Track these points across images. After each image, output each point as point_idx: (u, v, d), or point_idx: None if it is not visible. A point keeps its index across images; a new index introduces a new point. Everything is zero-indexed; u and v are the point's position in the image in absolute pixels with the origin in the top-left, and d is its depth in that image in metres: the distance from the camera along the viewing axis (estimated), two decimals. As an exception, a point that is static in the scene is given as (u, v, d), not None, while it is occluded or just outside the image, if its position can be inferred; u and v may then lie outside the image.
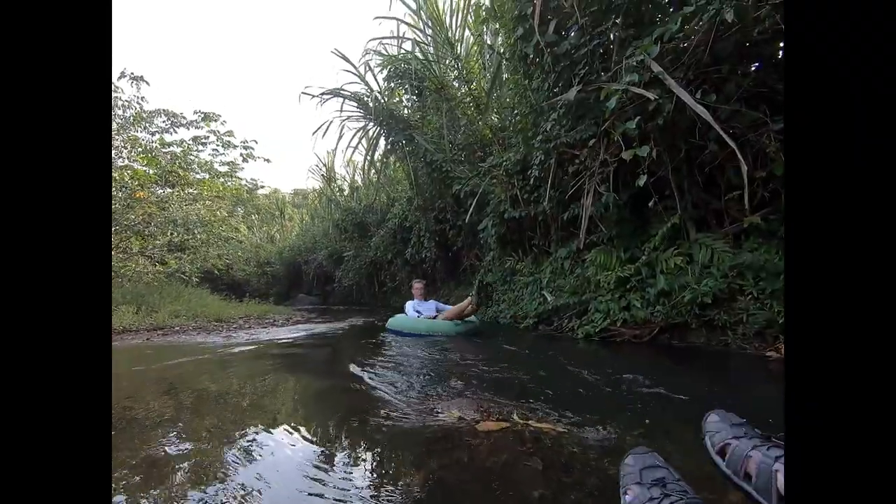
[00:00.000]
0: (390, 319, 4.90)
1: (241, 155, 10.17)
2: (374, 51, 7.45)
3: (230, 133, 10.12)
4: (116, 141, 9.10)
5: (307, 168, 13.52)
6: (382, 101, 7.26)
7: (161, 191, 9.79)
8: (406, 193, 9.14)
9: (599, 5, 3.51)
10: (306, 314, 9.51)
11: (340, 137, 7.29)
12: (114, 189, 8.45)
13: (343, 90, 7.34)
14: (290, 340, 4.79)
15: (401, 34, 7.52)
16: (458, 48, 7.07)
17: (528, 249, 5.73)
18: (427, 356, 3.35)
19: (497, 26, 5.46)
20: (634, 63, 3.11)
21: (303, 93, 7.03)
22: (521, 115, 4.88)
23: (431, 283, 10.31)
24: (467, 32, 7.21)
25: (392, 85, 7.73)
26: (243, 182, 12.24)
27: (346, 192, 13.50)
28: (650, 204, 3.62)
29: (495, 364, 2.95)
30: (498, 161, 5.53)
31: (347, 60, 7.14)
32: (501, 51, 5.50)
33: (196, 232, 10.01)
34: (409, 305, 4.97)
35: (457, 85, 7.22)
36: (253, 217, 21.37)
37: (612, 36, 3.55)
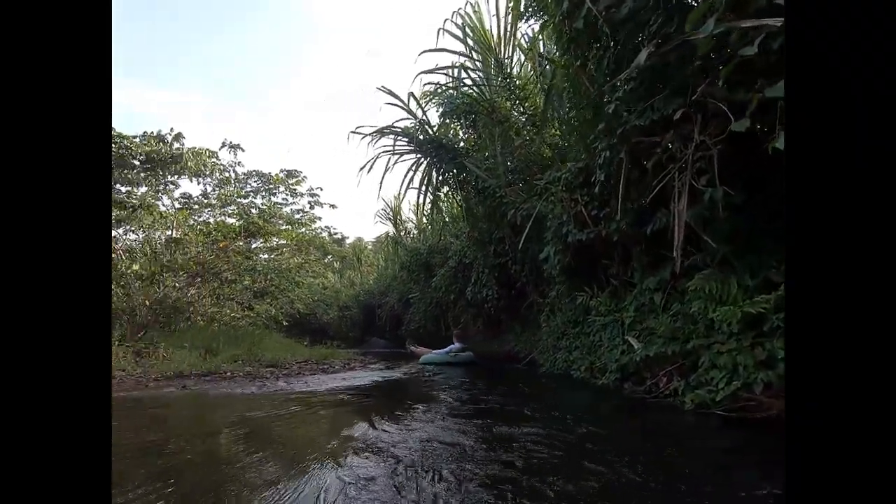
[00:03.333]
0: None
1: (309, 202, 10.71)
2: (425, 83, 7.30)
3: (296, 176, 10.83)
4: (212, 199, 10.27)
5: (374, 212, 13.83)
6: (430, 132, 6.94)
7: (244, 242, 10.69)
8: (465, 228, 8.51)
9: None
10: (368, 359, 9.09)
11: (386, 171, 6.97)
12: (207, 240, 9.37)
13: (394, 127, 7.23)
14: (321, 392, 4.25)
15: (449, 63, 7.30)
16: (508, 67, 6.53)
17: (605, 281, 4.49)
18: (457, 434, 2.38)
19: (540, 22, 4.76)
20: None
21: (352, 132, 7.08)
22: (576, 109, 3.94)
23: (496, 324, 9.19)
24: (518, 53, 6.69)
25: (446, 120, 7.46)
26: (319, 230, 12.96)
27: (413, 234, 13.44)
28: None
29: (562, 462, 1.88)
30: (555, 176, 4.57)
31: (394, 95, 7.08)
32: (551, 44, 4.73)
33: (272, 277, 10.56)
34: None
35: (509, 105, 6.60)
36: (336, 264, 22.84)
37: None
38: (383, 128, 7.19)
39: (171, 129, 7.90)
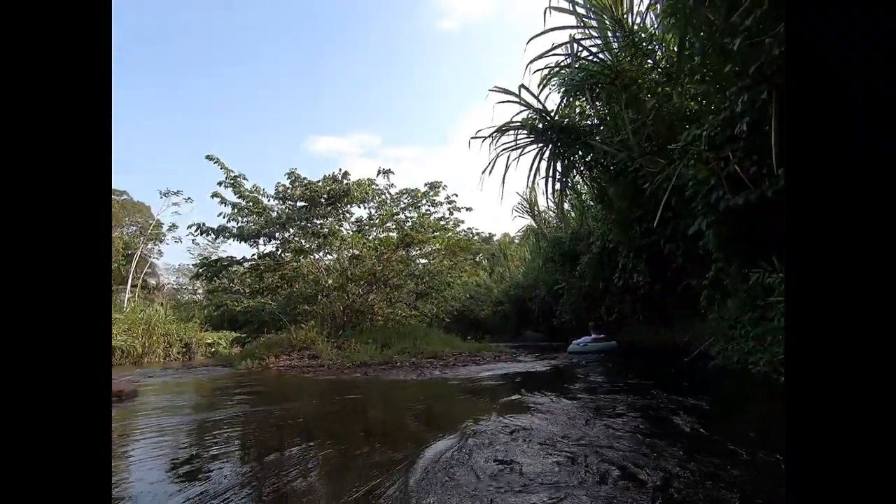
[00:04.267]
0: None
1: (448, 209, 11.66)
2: (535, 70, 7.10)
3: (437, 186, 11.89)
4: (375, 220, 12.34)
5: (512, 207, 13.95)
6: (549, 119, 6.68)
7: (404, 252, 12.44)
8: (603, 212, 7.83)
9: None
10: (518, 352, 9.34)
11: (507, 169, 7.01)
12: (375, 254, 11.35)
13: (512, 122, 7.28)
14: (472, 378, 4.77)
15: (564, 40, 6.88)
16: (629, 22, 5.76)
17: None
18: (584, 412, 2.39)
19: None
20: None
21: (472, 138, 7.44)
22: (701, 55, 3.23)
23: (657, 312, 8.04)
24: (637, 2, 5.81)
25: (569, 99, 7.08)
26: (462, 232, 13.96)
27: (554, 223, 13.06)
28: None
29: None
30: (695, 134, 3.85)
31: (508, 92, 7.09)
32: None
33: (427, 280, 11.95)
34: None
35: (637, 63, 5.81)
36: (484, 262, 23.95)
37: None
38: (501, 126, 7.33)
39: (340, 169, 9.95)
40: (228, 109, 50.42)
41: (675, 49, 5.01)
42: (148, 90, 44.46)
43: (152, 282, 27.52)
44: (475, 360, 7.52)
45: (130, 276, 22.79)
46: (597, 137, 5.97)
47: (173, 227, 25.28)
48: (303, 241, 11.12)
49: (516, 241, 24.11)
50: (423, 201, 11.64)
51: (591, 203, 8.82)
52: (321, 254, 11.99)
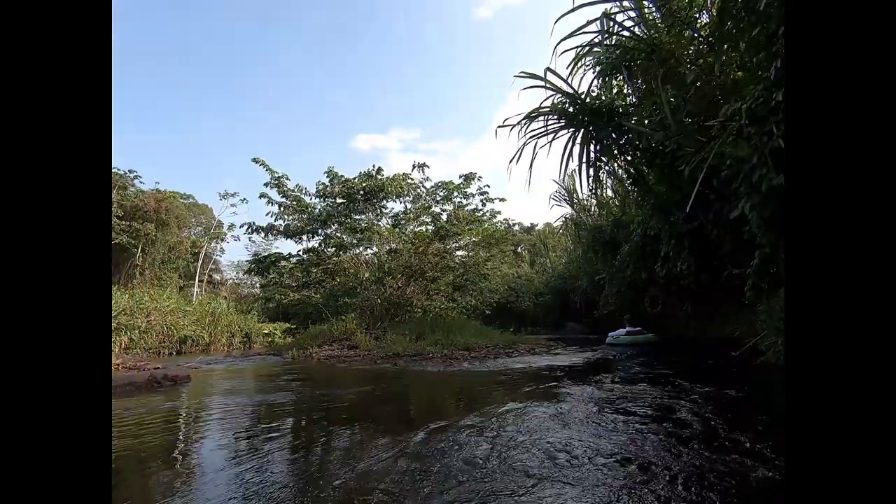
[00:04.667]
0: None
1: (481, 200, 11.54)
2: (563, 51, 6.76)
3: (472, 178, 11.79)
4: (410, 214, 12.53)
5: (550, 196, 13.46)
6: (580, 102, 6.35)
7: (441, 244, 12.53)
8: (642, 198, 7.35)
9: None
10: (557, 345, 9.13)
11: (534, 157, 6.73)
12: (411, 247, 11.55)
13: (541, 108, 7.02)
14: (490, 371, 4.72)
15: (592, 20, 6.48)
16: (665, -12, 5.30)
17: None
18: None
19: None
20: None
21: (499, 127, 7.26)
22: (733, 20, 2.89)
23: (707, 304, 7.43)
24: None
25: (604, 79, 6.70)
26: (499, 223, 13.78)
27: (594, 211, 12.50)
28: None
29: None
30: (735, 108, 3.49)
31: (535, 76, 6.82)
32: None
33: (462, 273, 11.96)
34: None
35: (675, 33, 5.35)
36: (525, 253, 23.49)
37: None
38: (530, 112, 7.09)
39: (373, 165, 10.26)
40: (287, 121, 53.46)
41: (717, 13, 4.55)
42: (207, 90, 48.20)
43: (217, 277, 30.17)
44: (507, 352, 7.47)
45: (198, 273, 25.10)
46: (633, 119, 5.61)
47: (231, 226, 27.39)
48: (343, 237, 11.60)
49: (560, 231, 23.42)
50: (455, 194, 11.63)
51: (623, 191, 8.33)
52: (360, 249, 12.43)
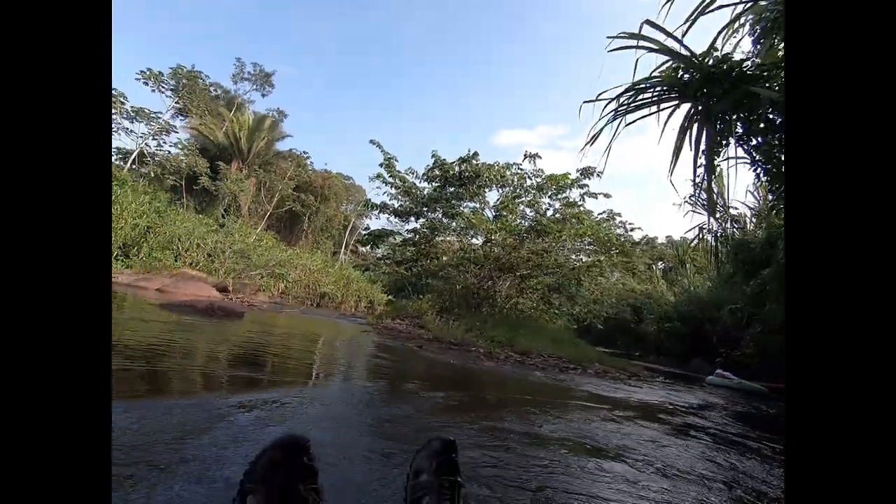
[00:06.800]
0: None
1: (580, 194, 10.15)
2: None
3: (590, 173, 10.41)
4: (509, 206, 11.95)
5: (683, 199, 10.78)
6: (697, 62, 4.77)
7: (541, 240, 11.57)
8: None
9: None
10: (650, 375, 7.40)
11: (614, 136, 5.29)
12: (505, 241, 11.04)
13: (652, 77, 5.61)
14: (513, 378, 4.12)
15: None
16: None
17: None
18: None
19: None
20: None
21: (585, 102, 6.04)
22: None
23: None
24: None
25: (772, 40, 4.94)
26: (612, 226, 11.93)
27: (742, 221, 9.61)
28: None
29: None
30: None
31: (636, 35, 5.40)
32: None
33: (557, 275, 10.84)
34: None
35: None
36: (656, 269, 19.88)
37: None
38: (636, 83, 5.78)
39: (469, 150, 10.14)
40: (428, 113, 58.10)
41: None
42: (365, 89, 55.85)
43: (363, 249, 35.24)
44: (563, 368, 6.38)
45: (345, 243, 29.74)
46: (766, 85, 3.99)
47: (374, 205, 31.37)
48: (442, 220, 11.89)
49: (692, 244, 18.98)
50: (569, 190, 10.49)
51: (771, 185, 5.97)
52: (453, 235, 12.54)
